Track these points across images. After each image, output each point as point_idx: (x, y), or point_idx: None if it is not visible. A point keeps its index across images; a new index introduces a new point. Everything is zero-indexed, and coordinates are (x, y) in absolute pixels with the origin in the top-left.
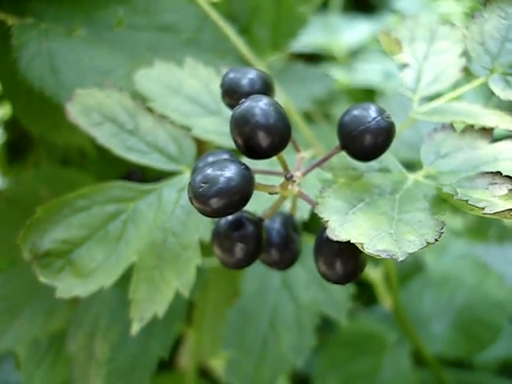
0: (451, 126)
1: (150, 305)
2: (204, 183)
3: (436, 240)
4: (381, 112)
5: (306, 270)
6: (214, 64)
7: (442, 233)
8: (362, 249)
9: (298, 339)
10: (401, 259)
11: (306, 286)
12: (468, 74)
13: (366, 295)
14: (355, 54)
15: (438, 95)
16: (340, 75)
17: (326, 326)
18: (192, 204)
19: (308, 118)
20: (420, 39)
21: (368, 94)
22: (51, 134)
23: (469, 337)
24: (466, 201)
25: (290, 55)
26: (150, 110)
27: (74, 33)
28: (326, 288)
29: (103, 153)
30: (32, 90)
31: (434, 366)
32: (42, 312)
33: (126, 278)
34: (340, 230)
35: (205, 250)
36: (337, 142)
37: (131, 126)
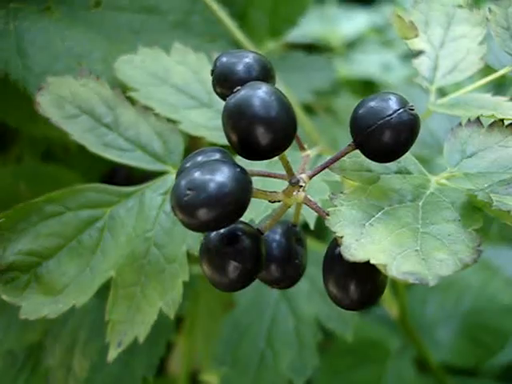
0: (478, 121)
1: (129, 327)
2: (190, 190)
3: (475, 261)
4: (403, 103)
5: (307, 280)
6: (204, 50)
7: (480, 251)
8: (384, 271)
9: (298, 357)
10: (432, 284)
11: (308, 297)
12: None
13: None
14: (353, 45)
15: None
16: (338, 67)
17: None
18: (175, 215)
19: (308, 110)
20: (435, 24)
21: (367, 86)
22: (28, 126)
23: (476, 344)
24: (509, 212)
25: (286, 46)
26: (132, 101)
27: (48, 11)
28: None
29: None
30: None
31: (438, 373)
32: (16, 322)
33: (108, 287)
34: (357, 247)
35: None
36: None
37: (110, 119)
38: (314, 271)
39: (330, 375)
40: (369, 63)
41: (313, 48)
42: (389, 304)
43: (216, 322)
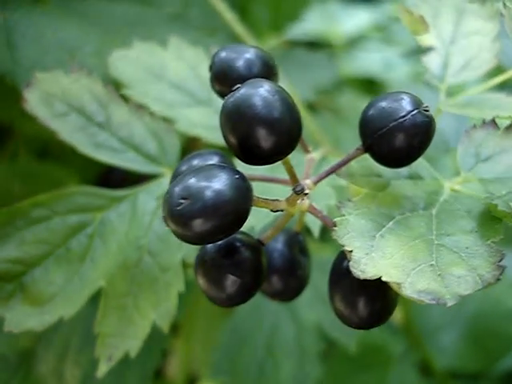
0: (493, 123)
1: (120, 340)
2: (184, 198)
3: (497, 279)
4: (417, 104)
5: (309, 286)
6: (203, 44)
7: (502, 267)
8: (397, 289)
9: (299, 367)
10: (450, 304)
11: (309, 304)
12: None
13: None
14: (354, 42)
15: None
16: (339, 64)
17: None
18: (167, 226)
19: (310, 108)
20: (445, 19)
21: (368, 84)
22: (20, 122)
23: (480, 348)
24: None
25: (287, 43)
26: (125, 99)
27: (40, 2)
28: None
29: None
30: None
31: (441, 378)
32: None
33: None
34: (367, 262)
35: None
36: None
37: (102, 118)
38: (316, 276)
39: (332, 381)
40: (370, 61)
41: (314, 45)
42: None
43: (215, 327)
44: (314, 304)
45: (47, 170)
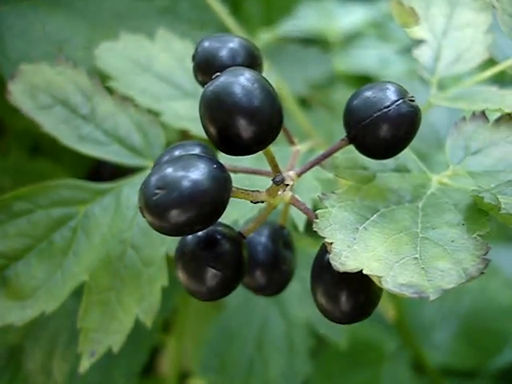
0: (483, 116)
1: (103, 336)
2: (160, 188)
3: (481, 272)
4: (402, 93)
5: (298, 281)
6: (193, 37)
7: (487, 260)
8: (378, 283)
9: (288, 364)
10: (432, 298)
11: (299, 300)
12: None
13: None
14: (350, 39)
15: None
16: (335, 61)
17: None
18: (143, 217)
19: (303, 103)
20: (437, 11)
21: (364, 81)
22: (9, 117)
23: (475, 346)
24: None
25: (282, 40)
26: (111, 91)
27: None
28: None
29: None
30: None
31: (435, 375)
32: None
33: None
34: (348, 255)
35: None
36: (342, 133)
37: (86, 110)
38: (305, 273)
39: (324, 378)
40: (366, 58)
41: (309, 42)
42: (384, 305)
43: (206, 324)
44: (304, 300)
45: (38, 166)
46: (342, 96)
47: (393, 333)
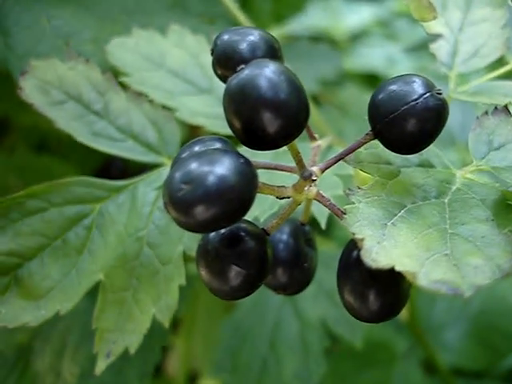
0: (506, 110)
1: (119, 336)
2: (185, 183)
3: None
4: (430, 87)
5: (313, 281)
6: (203, 31)
7: None
8: (411, 279)
9: (303, 364)
10: (467, 295)
11: (313, 299)
12: None
13: None
14: (357, 38)
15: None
16: (342, 60)
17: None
18: (168, 213)
19: (314, 101)
20: (454, 6)
21: (371, 80)
22: (17, 114)
23: (485, 346)
24: None
25: (289, 38)
26: (124, 86)
27: None
28: (338, 302)
29: None
30: None
31: (446, 375)
32: None
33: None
34: (379, 251)
35: None
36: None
37: (99, 106)
38: (320, 271)
39: (335, 378)
40: (373, 56)
41: (317, 41)
42: None
43: (216, 323)
44: (318, 299)
45: (44, 163)
46: (350, 95)
47: (404, 333)
